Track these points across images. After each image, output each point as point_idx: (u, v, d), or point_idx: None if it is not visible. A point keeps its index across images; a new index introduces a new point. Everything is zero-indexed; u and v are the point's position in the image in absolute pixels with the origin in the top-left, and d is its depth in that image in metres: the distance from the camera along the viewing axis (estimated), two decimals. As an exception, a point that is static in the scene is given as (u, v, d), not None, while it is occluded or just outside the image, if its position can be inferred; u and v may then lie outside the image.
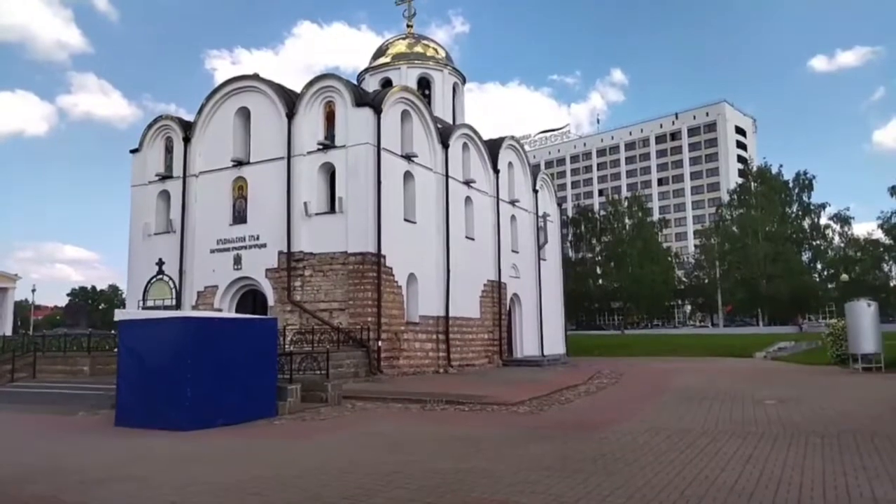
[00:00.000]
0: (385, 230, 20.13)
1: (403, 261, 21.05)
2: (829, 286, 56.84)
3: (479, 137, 26.73)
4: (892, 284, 54.71)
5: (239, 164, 22.25)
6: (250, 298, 22.40)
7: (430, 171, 23.19)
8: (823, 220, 56.74)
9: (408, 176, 22.09)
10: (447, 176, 23.80)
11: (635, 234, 62.72)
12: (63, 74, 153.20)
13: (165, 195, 24.19)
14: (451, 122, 27.97)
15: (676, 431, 9.33)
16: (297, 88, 21.77)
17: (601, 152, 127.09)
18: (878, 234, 54.75)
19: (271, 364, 11.91)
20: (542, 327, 30.60)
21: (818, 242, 58.06)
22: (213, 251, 22.34)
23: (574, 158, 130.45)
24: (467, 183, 25.30)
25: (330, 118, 21.06)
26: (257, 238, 21.39)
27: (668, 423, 10.27)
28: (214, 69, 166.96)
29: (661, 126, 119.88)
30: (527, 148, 50.19)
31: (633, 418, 10.86)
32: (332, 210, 20.65)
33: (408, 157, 21.97)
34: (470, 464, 7.28)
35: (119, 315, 12.18)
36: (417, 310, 21.80)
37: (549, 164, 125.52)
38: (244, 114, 22.75)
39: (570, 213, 77.17)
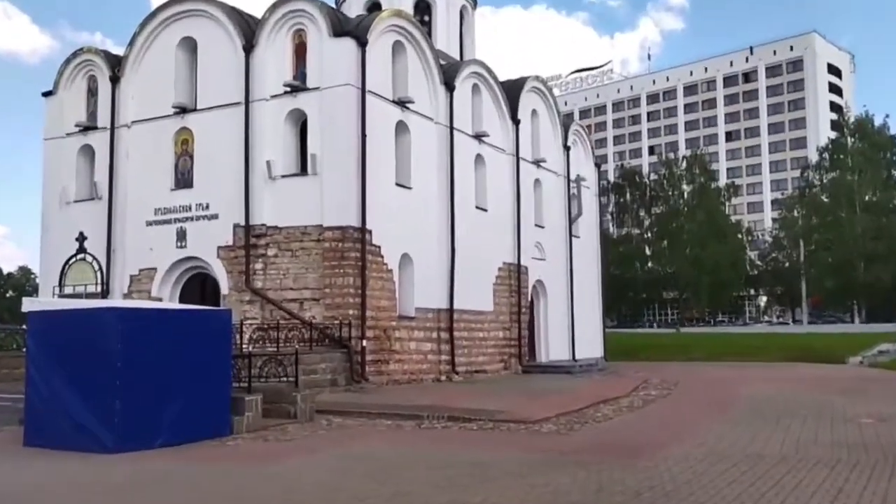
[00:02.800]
0: (371, 198, 19.91)
1: (395, 237, 20.98)
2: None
3: (495, 78, 26.45)
4: None
5: (183, 111, 22.22)
6: (198, 285, 22.51)
7: (430, 122, 23.14)
8: (940, 187, 61.49)
9: (401, 127, 21.96)
10: (452, 128, 23.72)
11: (696, 204, 62.17)
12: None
13: (88, 151, 24.16)
14: (457, 57, 27.72)
15: (745, 458, 9.33)
16: (258, 13, 21.53)
17: (653, 98, 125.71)
18: None
19: (224, 369, 11.87)
20: (574, 323, 30.54)
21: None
22: (150, 224, 22.32)
23: (618, 106, 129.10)
24: (478, 137, 25.25)
25: (300, 52, 21.02)
26: (206, 207, 21.40)
27: (735, 446, 10.27)
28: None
29: (732, 64, 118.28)
30: (556, 92, 49.64)
31: (690, 440, 10.86)
32: (302, 171, 20.67)
33: (401, 104, 21.88)
34: (477, 498, 7.26)
35: (28, 305, 12.02)
36: (413, 301, 21.77)
37: (584, 114, 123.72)
38: (189, 46, 22.64)
39: (611, 177, 76.66)
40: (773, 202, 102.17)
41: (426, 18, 27.60)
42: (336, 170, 19.99)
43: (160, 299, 21.47)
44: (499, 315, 26.23)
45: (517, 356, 26.69)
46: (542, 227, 29.28)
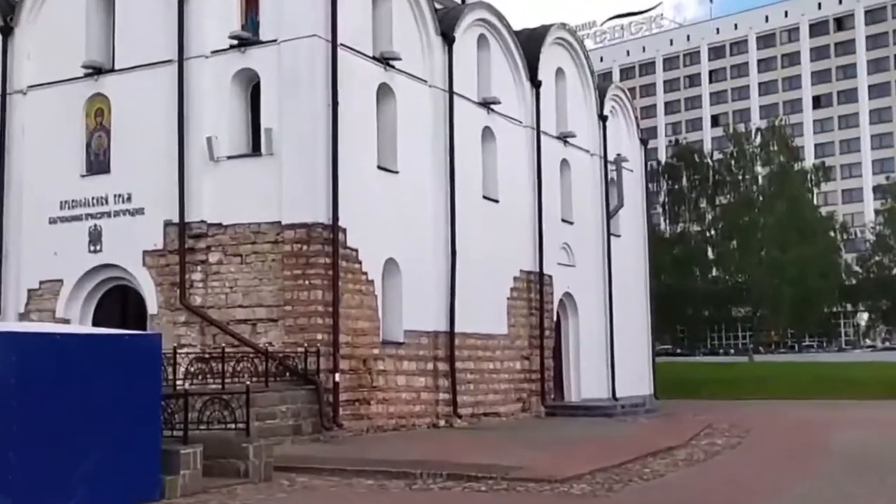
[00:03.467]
0: (345, 186, 19.80)
1: (377, 238, 20.94)
2: None
3: (508, 27, 26.35)
4: None
5: (96, 72, 22.25)
6: (118, 302, 22.51)
7: (423, 85, 23.17)
8: None
9: (385, 92, 21.94)
10: (451, 93, 23.65)
11: (774, 192, 61.64)
12: None
13: (-33, 126, 26.24)
14: (458, -1, 30.29)
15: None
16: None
17: (716, 52, 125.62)
18: None
19: (152, 412, 11.81)
20: (613, 350, 30.45)
21: None
22: (53, 221, 22.37)
23: (670, 62, 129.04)
24: (486, 105, 25.18)
25: (251, -7, 23.05)
26: (128, 199, 21.37)
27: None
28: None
29: (820, 6, 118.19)
30: (589, 45, 49.36)
31: (768, 504, 11.62)
32: (254, 151, 20.60)
33: (384, 61, 21.87)
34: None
35: None
36: (401, 321, 21.73)
37: (626, 73, 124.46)
38: (104, -13, 24.78)
39: (662, 157, 75.89)
40: (876, 189, 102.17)
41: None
42: (298, 149, 19.73)
43: (68, 321, 21.28)
44: (515, 339, 26.01)
45: (539, 394, 26.41)
46: (571, 224, 28.98)
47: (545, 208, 27.44)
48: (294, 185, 19.84)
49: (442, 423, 22.66)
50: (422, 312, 22.64)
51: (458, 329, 23.69)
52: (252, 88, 21.05)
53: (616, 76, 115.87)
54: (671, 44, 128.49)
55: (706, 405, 29.29)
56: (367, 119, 21.26)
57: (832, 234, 69.07)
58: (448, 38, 23.61)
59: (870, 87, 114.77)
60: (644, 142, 35.31)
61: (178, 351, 18.03)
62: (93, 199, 21.98)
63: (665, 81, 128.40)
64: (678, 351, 71.99)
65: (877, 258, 72.75)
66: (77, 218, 22.13)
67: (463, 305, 23.71)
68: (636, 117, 34.22)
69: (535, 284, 27.11)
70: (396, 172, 21.95)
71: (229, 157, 20.41)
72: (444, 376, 23.17)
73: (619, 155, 31.50)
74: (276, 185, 19.83)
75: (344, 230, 20.14)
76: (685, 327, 72.01)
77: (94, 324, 21.34)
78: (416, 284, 22.46)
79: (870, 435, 18.90)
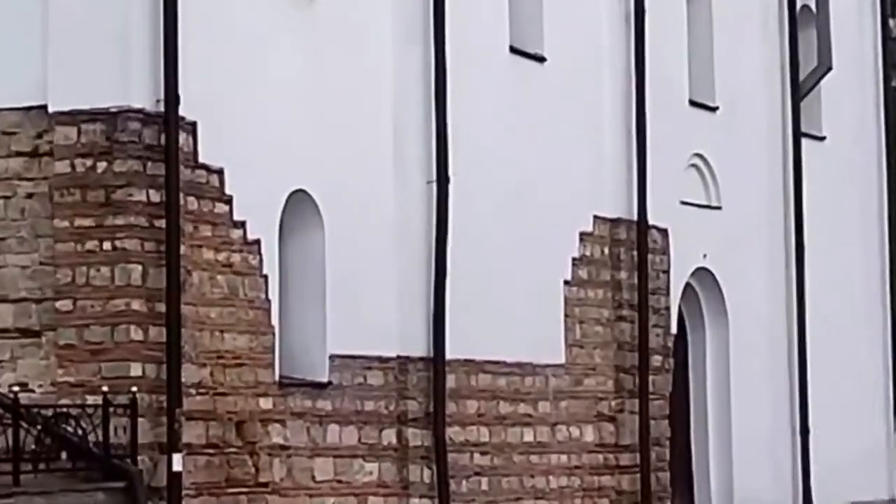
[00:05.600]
0: (196, 27, 16.32)
1: (270, 146, 17.53)
2: None
3: None
4: None
5: None
6: None
7: None
8: None
9: None
10: None
11: None
12: None
13: None
14: None
15: None
16: None
17: None
18: None
19: None
20: (806, 391, 27.34)
21: None
22: None
23: None
24: None
25: None
26: None
27: None
28: None
29: None
30: None
31: None
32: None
33: None
34: None
35: None
36: (323, 336, 18.28)
37: None
38: None
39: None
40: None
41: None
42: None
43: None
44: (582, 376, 22.41)
45: (642, 495, 23.27)
46: (713, 111, 25.66)
47: (652, 75, 23.71)
48: (72, 29, 15.93)
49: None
50: (372, 316, 18.75)
51: (455, 352, 19.54)
52: None
53: None
54: None
55: None
56: None
57: None
58: None
59: None
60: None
61: None
62: None
63: None
64: None
65: None
66: None
67: (466, 300, 19.91)
68: None
69: (627, 250, 23.35)
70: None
71: None
72: (421, 462, 19.51)
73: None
74: (35, 22, 16.14)
75: (192, 125, 15.77)
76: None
77: None
78: (357, 251, 18.67)
79: None
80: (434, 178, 19.98)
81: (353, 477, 18.69)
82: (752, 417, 26.85)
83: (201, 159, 16.37)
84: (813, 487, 27.57)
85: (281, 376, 17.50)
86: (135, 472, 15.35)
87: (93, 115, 15.65)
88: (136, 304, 15.55)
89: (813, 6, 28.72)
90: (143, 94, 15.88)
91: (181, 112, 15.89)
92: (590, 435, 23.12)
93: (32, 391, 15.76)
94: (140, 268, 15.56)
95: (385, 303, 19.43)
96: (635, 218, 23.97)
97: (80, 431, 15.22)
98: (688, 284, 25.87)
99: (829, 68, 28.52)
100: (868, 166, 31.65)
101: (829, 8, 28.87)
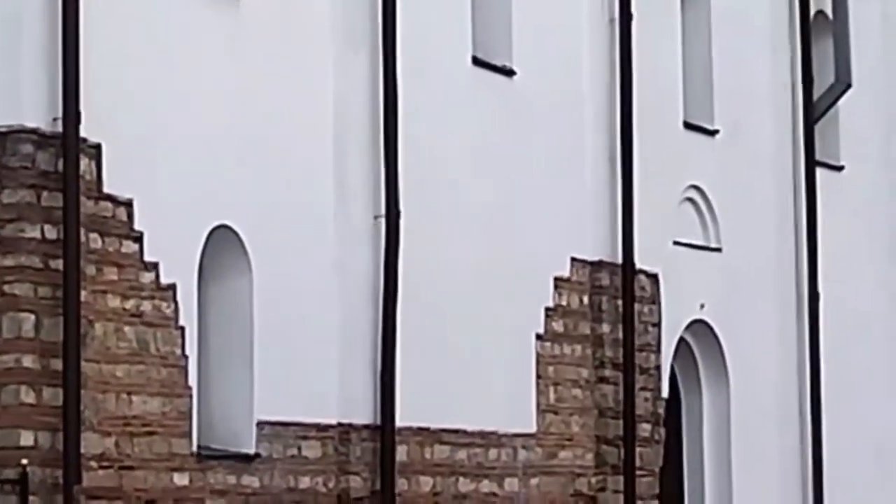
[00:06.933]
0: (96, 37, 16.13)
1: (184, 170, 17.57)
2: None
3: None
4: None
5: None
6: None
7: None
8: None
9: None
10: None
11: None
12: None
13: None
14: None
15: None
16: None
17: None
18: None
19: None
20: (818, 473, 27.87)
21: None
22: None
23: None
24: None
25: None
26: None
27: None
28: None
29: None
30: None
31: None
32: None
33: None
34: None
35: None
36: (250, 397, 18.51)
37: None
38: None
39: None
40: None
41: None
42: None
43: None
44: (557, 448, 22.51)
45: None
46: (711, 135, 25.54)
47: (640, 92, 23.76)
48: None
49: None
50: (309, 375, 18.87)
51: (406, 419, 19.60)
52: None
53: None
54: None
55: None
56: None
57: None
58: None
59: None
60: None
61: None
62: None
63: None
64: None
65: None
66: None
67: (419, 358, 20.06)
68: None
69: (610, 299, 23.57)
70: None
71: None
72: None
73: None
74: None
75: (96, 148, 15.32)
76: None
77: None
78: (291, 298, 18.75)
79: None
80: (382, 212, 19.82)
81: (271, 566, 17.52)
82: (758, 498, 26.58)
83: (106, 189, 15.82)
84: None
85: (199, 447, 17.06)
86: (-42, 588, 14.26)
87: (-48, 126, 14.42)
88: (27, 361, 14.88)
89: (829, 13, 28.51)
90: (37, 112, 15.45)
91: (83, 133, 15.43)
92: (558, 525, 22.05)
93: None
94: (33, 317, 14.94)
95: (324, 360, 19.12)
96: (620, 261, 23.87)
97: (-77, 523, 13.80)
98: (682, 340, 25.64)
99: (849, 86, 28.16)
100: (893, 200, 32.06)
101: (848, 15, 28.57)
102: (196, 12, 18.59)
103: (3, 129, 15.46)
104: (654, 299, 25.46)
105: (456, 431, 21.74)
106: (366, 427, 20.37)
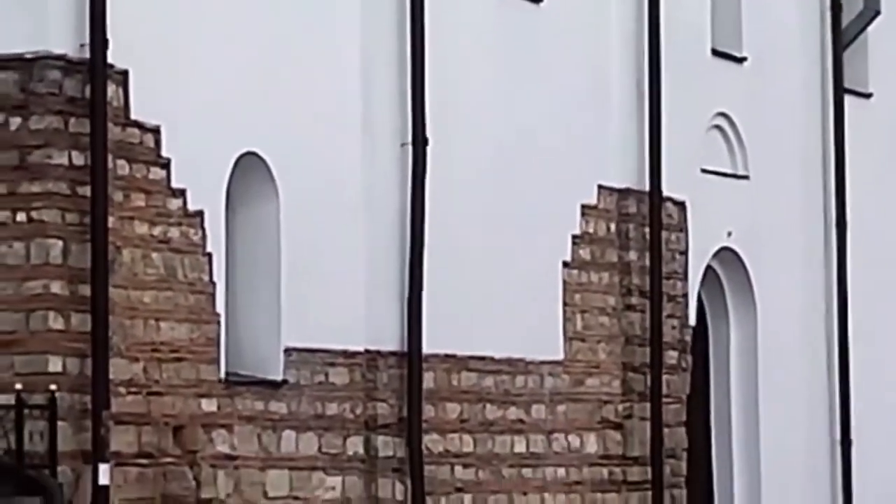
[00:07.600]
0: None
1: (213, 101, 17.69)
2: None
3: None
4: None
5: None
6: None
7: None
8: None
9: None
10: None
11: None
12: None
13: None
14: None
15: None
16: None
17: None
18: None
19: None
20: (849, 404, 27.99)
21: None
22: None
23: None
24: None
25: None
26: None
27: None
28: None
29: None
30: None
31: None
32: None
33: None
34: None
35: None
36: (277, 325, 18.66)
37: None
38: None
39: None
40: None
41: None
42: None
43: None
44: (584, 374, 22.41)
45: None
46: (739, 62, 25.81)
47: (668, 19, 23.90)
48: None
49: None
50: (336, 302, 18.71)
51: (433, 346, 19.47)
52: None
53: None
54: None
55: None
56: None
57: None
58: None
59: None
60: None
61: None
62: None
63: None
64: None
65: None
66: None
67: (446, 285, 20.03)
68: None
69: (637, 227, 23.26)
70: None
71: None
72: (392, 476, 19.57)
73: None
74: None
75: (123, 75, 15.45)
76: None
77: None
78: (318, 225, 18.84)
79: None
80: (409, 139, 19.78)
81: (313, 493, 18.51)
82: (785, 426, 26.82)
83: (133, 115, 15.94)
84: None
85: (227, 373, 17.21)
86: (54, 486, 14.95)
87: (4, 63, 15.23)
88: (55, 287, 15.05)
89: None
90: (64, 38, 15.56)
91: (110, 59, 15.44)
92: (592, 445, 23.05)
93: None
94: (60, 243, 15.10)
95: (351, 287, 19.20)
96: (647, 188, 23.85)
97: (-12, 438, 13.39)
98: (709, 268, 25.69)
99: (878, 12, 28.02)
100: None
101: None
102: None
103: (30, 56, 15.48)
104: (682, 227, 25.41)
105: (483, 358, 21.69)
106: (393, 354, 20.37)
